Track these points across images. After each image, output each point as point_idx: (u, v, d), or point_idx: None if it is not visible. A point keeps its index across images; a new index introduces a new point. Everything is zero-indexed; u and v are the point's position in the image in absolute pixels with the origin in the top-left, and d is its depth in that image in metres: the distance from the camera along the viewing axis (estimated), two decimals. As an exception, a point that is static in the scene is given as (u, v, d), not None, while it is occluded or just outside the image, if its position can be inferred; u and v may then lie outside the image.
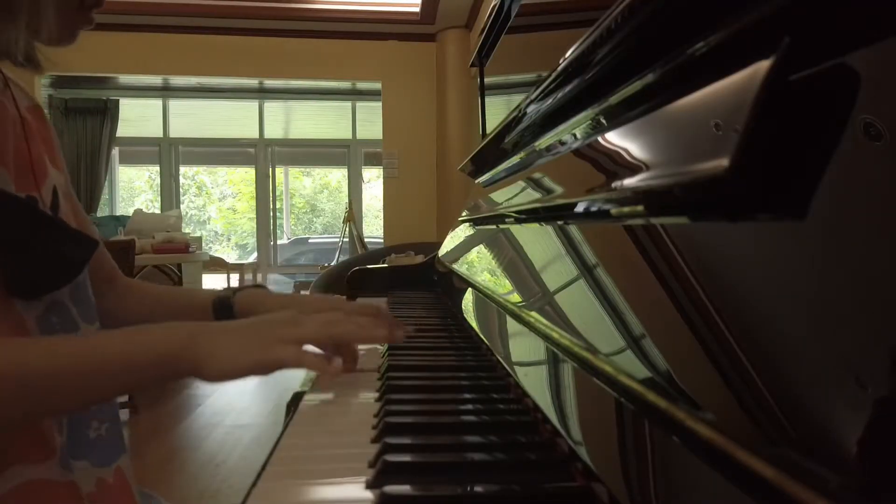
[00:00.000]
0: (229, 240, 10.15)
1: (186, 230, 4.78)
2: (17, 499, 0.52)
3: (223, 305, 0.76)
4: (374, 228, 7.76)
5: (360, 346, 0.68)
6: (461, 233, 1.30)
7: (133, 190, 8.65)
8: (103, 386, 0.52)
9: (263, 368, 0.52)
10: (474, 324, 0.79)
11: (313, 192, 10.06)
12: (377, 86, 5.46)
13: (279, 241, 6.98)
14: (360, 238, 5.58)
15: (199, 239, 4.57)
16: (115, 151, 6.21)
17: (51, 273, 0.58)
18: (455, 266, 1.12)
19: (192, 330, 0.53)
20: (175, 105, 6.33)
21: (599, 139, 0.52)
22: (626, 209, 0.43)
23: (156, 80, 5.82)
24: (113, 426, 0.64)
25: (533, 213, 0.72)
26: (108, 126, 5.79)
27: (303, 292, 5.81)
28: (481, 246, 1.00)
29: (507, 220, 0.85)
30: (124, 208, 6.69)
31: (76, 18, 0.60)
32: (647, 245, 0.39)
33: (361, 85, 5.89)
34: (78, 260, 0.62)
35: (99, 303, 0.75)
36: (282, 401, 2.82)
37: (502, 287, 0.72)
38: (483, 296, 0.80)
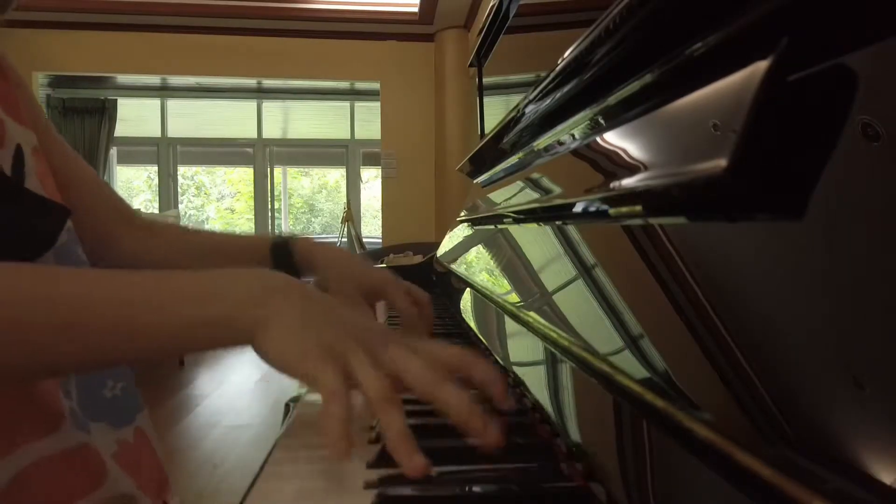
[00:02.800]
0: (228, 240, 10.12)
1: (185, 230, 4.77)
2: (30, 483, 0.46)
3: (282, 252, 0.70)
4: (372, 228, 7.76)
5: None
6: (460, 233, 1.30)
7: (131, 190, 8.64)
8: (145, 339, 0.39)
9: (294, 375, 0.40)
10: (473, 324, 0.79)
11: (312, 192, 10.06)
12: (376, 86, 5.47)
13: (278, 242, 6.95)
14: (359, 238, 5.58)
15: (198, 239, 4.56)
16: (114, 151, 6.21)
17: (15, 248, 0.50)
18: (453, 266, 1.12)
19: (256, 284, 0.41)
20: (173, 105, 6.33)
21: (598, 139, 0.52)
22: (624, 209, 0.43)
23: (154, 79, 5.81)
24: (129, 385, 0.59)
25: (531, 213, 0.72)
26: (106, 126, 5.78)
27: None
28: (480, 246, 1.00)
29: (505, 220, 0.85)
30: (122, 208, 6.66)
31: None
32: (645, 245, 0.39)
33: (360, 85, 5.90)
34: (47, 232, 0.54)
35: (118, 249, 0.70)
36: (280, 401, 2.83)
37: (501, 287, 0.72)
38: (481, 296, 0.80)
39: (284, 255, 0.70)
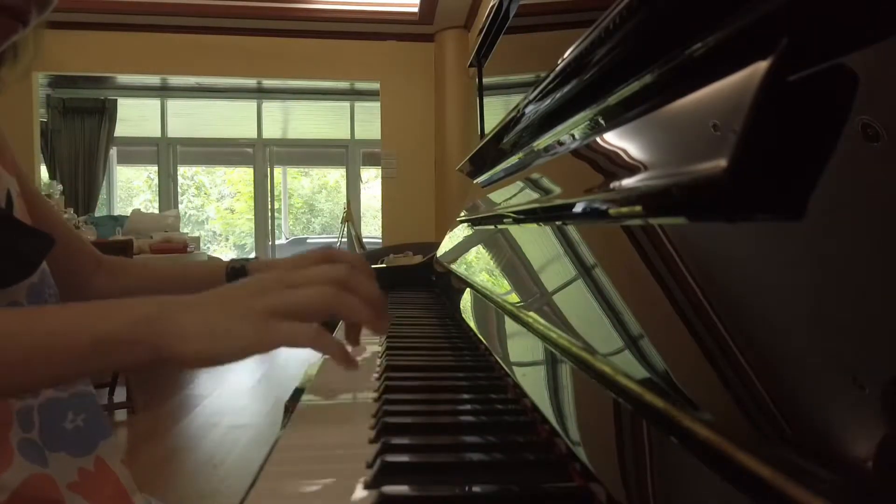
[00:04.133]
0: (227, 240, 10.14)
1: (185, 230, 4.78)
2: None
3: (238, 275, 0.73)
4: (372, 229, 7.76)
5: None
6: (459, 233, 1.30)
7: (131, 190, 8.64)
8: (62, 361, 0.42)
9: (254, 352, 0.42)
10: (472, 324, 0.79)
11: (311, 192, 10.06)
12: (375, 86, 5.47)
13: (277, 242, 6.98)
14: (359, 238, 5.58)
15: (198, 239, 4.57)
16: (114, 151, 6.21)
17: (5, 269, 0.55)
18: (453, 266, 1.12)
19: (153, 305, 0.43)
20: (173, 105, 6.33)
21: (598, 139, 0.52)
22: (624, 209, 0.43)
23: (154, 79, 5.82)
24: (91, 416, 0.62)
25: (531, 213, 0.72)
26: (106, 126, 5.78)
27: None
28: (480, 246, 1.00)
29: (505, 220, 0.86)
30: (122, 208, 6.68)
31: None
32: (645, 245, 0.39)
33: (360, 85, 5.90)
34: (33, 257, 0.58)
35: (88, 286, 0.75)
36: (280, 400, 2.82)
37: (500, 287, 0.72)
38: (481, 296, 0.80)
39: (239, 276, 0.73)
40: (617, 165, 0.45)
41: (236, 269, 0.73)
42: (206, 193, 10.35)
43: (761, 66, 0.28)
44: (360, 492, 0.36)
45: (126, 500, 0.65)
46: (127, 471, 0.67)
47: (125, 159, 6.75)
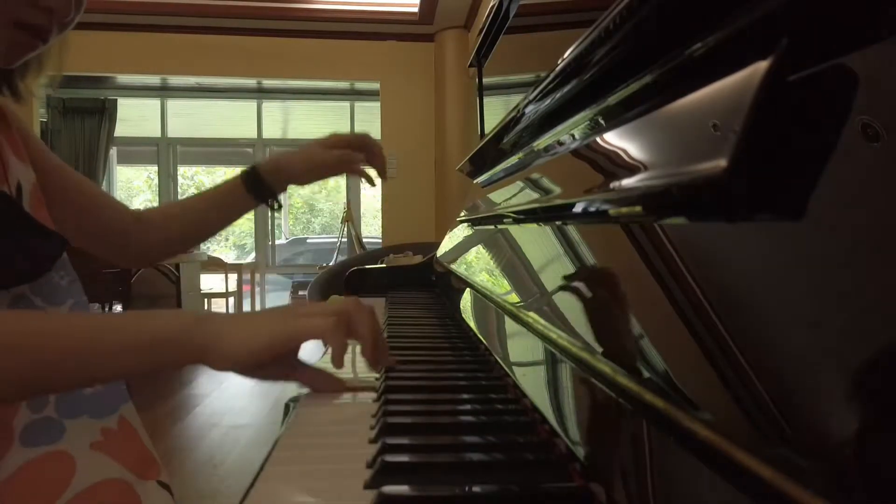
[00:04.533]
0: (227, 240, 10.14)
1: (184, 230, 4.76)
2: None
3: (253, 179, 0.83)
4: (372, 228, 7.76)
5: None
6: (459, 233, 1.30)
7: (131, 190, 8.64)
8: (106, 368, 0.49)
9: (282, 342, 0.49)
10: (472, 324, 0.79)
11: (311, 192, 10.06)
12: (375, 86, 5.47)
13: (277, 241, 6.98)
14: (359, 238, 5.58)
15: (198, 239, 4.55)
16: (114, 151, 6.21)
17: (19, 267, 0.58)
18: (453, 266, 1.12)
19: (199, 314, 0.51)
20: (173, 105, 6.33)
21: (598, 139, 0.52)
22: (624, 210, 0.43)
23: (154, 79, 5.81)
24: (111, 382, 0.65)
25: (531, 213, 0.72)
26: (106, 126, 5.78)
27: (301, 293, 5.80)
28: (480, 246, 1.00)
29: (505, 220, 0.85)
30: (122, 208, 6.67)
31: (14, 39, 0.57)
32: (645, 245, 0.39)
33: (360, 85, 5.90)
34: (47, 255, 0.61)
35: (132, 239, 0.82)
36: (280, 401, 2.82)
37: (500, 287, 0.72)
38: (481, 296, 0.80)
39: (254, 178, 0.84)
40: (617, 165, 0.45)
41: (250, 174, 0.83)
42: (206, 193, 10.34)
43: (761, 66, 0.28)
44: (360, 492, 0.36)
45: (152, 462, 0.66)
46: (148, 438, 0.68)
47: (125, 159, 6.75)
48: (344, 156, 0.87)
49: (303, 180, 0.88)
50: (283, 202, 0.89)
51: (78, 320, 0.50)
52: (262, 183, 0.84)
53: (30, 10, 0.56)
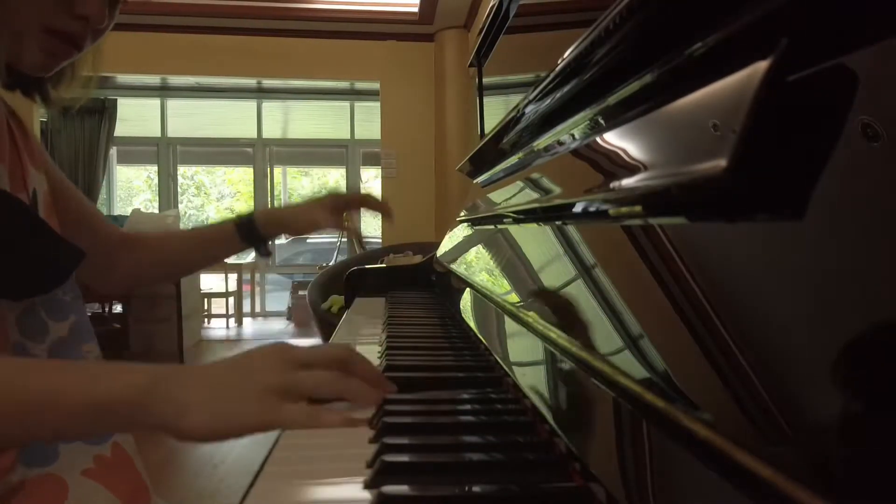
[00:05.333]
0: (227, 239, 10.12)
1: (184, 230, 4.76)
2: None
3: (248, 227, 0.82)
4: (372, 228, 7.75)
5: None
6: (459, 233, 1.30)
7: (131, 190, 8.64)
8: (53, 420, 0.41)
9: (255, 430, 0.42)
10: (472, 324, 0.79)
11: (312, 192, 10.05)
12: (375, 86, 5.46)
13: (277, 241, 6.97)
14: (359, 238, 5.57)
15: (198, 239, 4.55)
16: (113, 151, 6.20)
17: (38, 277, 0.58)
18: (453, 266, 1.12)
19: (159, 374, 0.42)
20: (173, 105, 6.32)
21: (598, 139, 0.52)
22: (623, 209, 0.43)
23: (154, 79, 5.81)
24: None
25: (531, 213, 0.72)
26: (106, 125, 5.77)
27: (300, 293, 5.80)
28: (479, 246, 1.00)
29: (505, 220, 0.85)
30: (122, 208, 6.68)
31: (50, 47, 0.58)
32: (644, 245, 0.39)
33: (360, 85, 5.89)
34: (65, 268, 0.62)
35: (118, 265, 0.81)
36: (280, 401, 2.80)
37: (500, 287, 0.72)
38: (481, 296, 0.80)
39: (248, 225, 0.83)
40: (617, 165, 0.45)
41: (245, 222, 0.82)
42: (206, 193, 10.35)
43: (761, 66, 0.28)
44: (359, 492, 0.36)
45: (144, 490, 0.67)
46: (142, 463, 0.69)
47: (125, 159, 6.74)
48: (339, 223, 0.90)
49: (295, 233, 0.91)
50: (271, 249, 0.92)
51: (22, 380, 0.42)
52: (254, 231, 0.85)
53: (65, 18, 0.57)
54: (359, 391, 0.46)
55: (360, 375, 0.47)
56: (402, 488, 0.35)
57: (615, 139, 0.47)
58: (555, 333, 0.47)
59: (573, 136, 0.63)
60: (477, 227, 1.11)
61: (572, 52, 0.53)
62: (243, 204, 9.37)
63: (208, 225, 0.90)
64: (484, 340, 0.68)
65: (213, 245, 0.87)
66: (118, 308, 4.04)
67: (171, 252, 0.85)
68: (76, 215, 0.75)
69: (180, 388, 0.42)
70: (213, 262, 0.89)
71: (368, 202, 0.94)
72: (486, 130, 1.19)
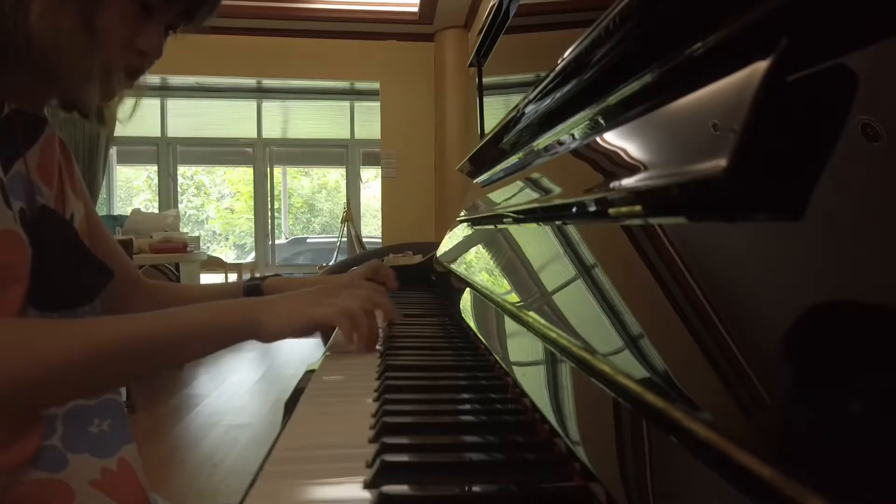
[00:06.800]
0: (227, 239, 10.14)
1: (184, 230, 4.77)
2: None
3: (254, 293, 0.90)
4: (372, 228, 7.76)
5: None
6: (459, 233, 1.30)
7: (131, 189, 8.65)
8: (193, 347, 0.61)
9: (313, 325, 0.63)
10: (472, 324, 0.79)
11: (311, 192, 10.05)
12: (375, 86, 5.47)
13: (277, 241, 6.98)
14: (359, 238, 5.58)
15: (198, 238, 4.57)
16: (113, 151, 6.21)
17: (71, 293, 0.64)
18: (453, 266, 1.12)
19: (252, 301, 0.65)
20: (173, 104, 6.33)
21: (598, 139, 0.52)
22: (623, 209, 0.43)
23: (154, 79, 5.81)
24: (116, 422, 0.67)
25: (531, 213, 0.72)
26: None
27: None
28: (479, 246, 1.00)
29: (505, 220, 0.86)
30: (122, 208, 6.69)
31: (119, 81, 0.66)
32: (644, 245, 0.39)
33: (360, 85, 5.90)
34: (95, 286, 0.68)
35: (129, 307, 0.83)
36: (279, 400, 2.81)
37: (500, 287, 0.72)
38: (481, 296, 0.80)
39: (256, 294, 0.89)
40: (617, 165, 0.45)
41: (252, 289, 0.91)
42: (205, 193, 10.35)
43: (761, 66, 0.28)
44: (359, 492, 0.36)
45: (145, 500, 0.69)
46: (146, 478, 0.71)
47: (125, 159, 6.75)
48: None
49: None
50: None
51: (170, 315, 0.60)
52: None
53: (127, 55, 0.64)
54: (382, 310, 0.74)
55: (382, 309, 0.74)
56: (402, 488, 0.35)
57: (615, 139, 0.48)
58: (555, 333, 0.47)
59: (573, 135, 0.63)
60: (477, 227, 1.11)
61: (572, 52, 0.53)
62: (243, 203, 9.38)
63: (219, 284, 0.98)
64: (484, 340, 0.68)
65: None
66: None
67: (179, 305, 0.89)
68: (103, 248, 0.78)
69: (261, 311, 0.63)
70: None
71: (380, 274, 1.04)
72: (486, 130, 1.19)
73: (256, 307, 0.64)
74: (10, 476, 0.56)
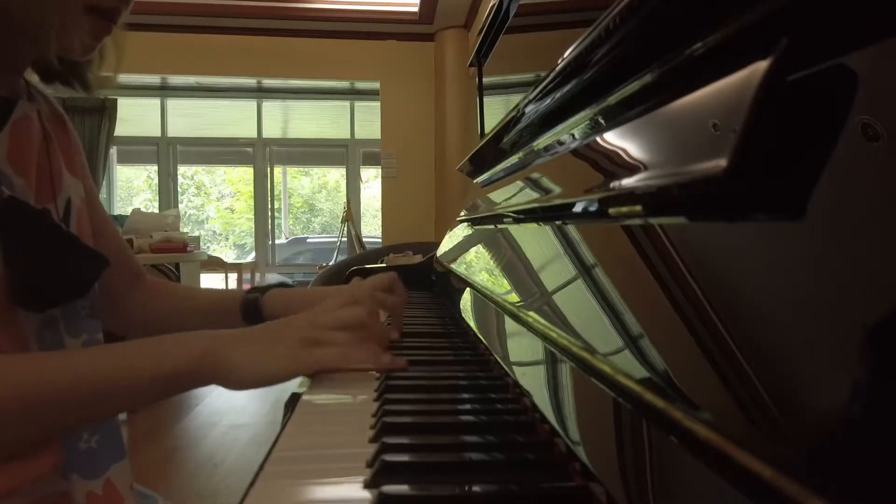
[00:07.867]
0: (227, 239, 10.14)
1: (185, 230, 4.77)
2: None
3: (251, 308, 0.78)
4: (372, 228, 7.76)
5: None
6: (459, 233, 1.30)
7: (131, 189, 8.65)
8: (128, 398, 0.51)
9: (293, 375, 0.53)
10: (472, 323, 0.79)
11: (311, 192, 10.05)
12: (375, 85, 5.47)
13: (277, 241, 6.98)
14: (359, 237, 5.58)
15: (198, 238, 4.57)
16: (114, 151, 6.21)
17: (58, 288, 0.59)
18: (453, 266, 1.12)
19: (212, 339, 0.52)
20: (173, 104, 6.33)
21: (598, 139, 0.52)
22: (624, 209, 0.43)
23: (154, 79, 5.82)
24: (105, 437, 0.63)
25: (531, 212, 0.72)
26: (107, 125, 5.78)
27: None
28: (479, 246, 1.00)
29: (505, 220, 0.86)
30: (122, 208, 6.69)
31: (91, 25, 0.58)
32: (644, 245, 0.39)
33: (360, 84, 5.90)
34: (87, 278, 0.62)
35: (125, 300, 0.79)
36: (279, 400, 2.81)
37: (500, 287, 0.72)
38: (481, 295, 0.80)
39: (254, 310, 0.78)
40: (617, 165, 0.45)
41: (251, 304, 0.78)
42: (206, 193, 10.35)
43: (761, 66, 0.28)
44: (359, 492, 0.36)
45: None
46: (134, 497, 0.67)
47: (125, 159, 6.75)
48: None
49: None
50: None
51: (94, 364, 0.50)
52: (258, 314, 0.79)
53: None
54: (369, 357, 0.58)
55: (376, 340, 0.60)
56: (402, 488, 0.35)
57: (615, 139, 0.48)
58: (555, 333, 0.47)
59: (573, 135, 0.63)
60: (477, 227, 1.11)
61: (572, 51, 0.53)
62: (243, 203, 9.38)
63: (219, 290, 0.88)
64: (484, 340, 0.68)
65: (217, 314, 0.81)
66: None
67: (181, 312, 0.82)
68: (106, 234, 0.74)
69: (229, 350, 0.51)
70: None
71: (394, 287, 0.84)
72: (487, 130, 1.19)
73: (217, 347, 0.52)
74: (32, 487, 0.53)
